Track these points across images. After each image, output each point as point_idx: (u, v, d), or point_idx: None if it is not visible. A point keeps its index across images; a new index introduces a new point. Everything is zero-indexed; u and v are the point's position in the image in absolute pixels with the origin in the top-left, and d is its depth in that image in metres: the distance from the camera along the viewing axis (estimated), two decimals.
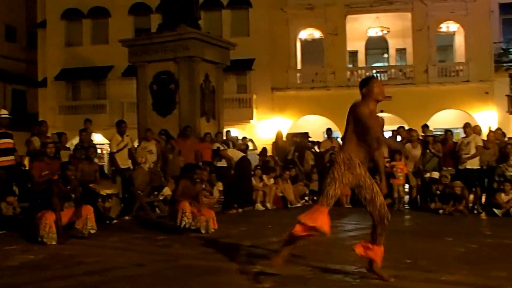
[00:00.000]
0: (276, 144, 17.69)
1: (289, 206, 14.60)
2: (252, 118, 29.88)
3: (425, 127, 15.84)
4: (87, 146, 12.98)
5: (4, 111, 11.44)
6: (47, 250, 7.97)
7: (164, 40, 15.62)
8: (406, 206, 14.49)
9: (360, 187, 5.82)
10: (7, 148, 10.92)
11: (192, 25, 15.85)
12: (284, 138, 18.07)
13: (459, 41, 30.17)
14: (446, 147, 14.27)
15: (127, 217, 11.79)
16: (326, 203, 5.75)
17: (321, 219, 5.70)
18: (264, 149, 17.86)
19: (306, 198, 15.48)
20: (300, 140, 17.27)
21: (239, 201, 13.68)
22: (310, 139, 17.74)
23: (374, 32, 30.58)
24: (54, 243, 8.38)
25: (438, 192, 13.40)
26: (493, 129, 16.34)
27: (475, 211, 13.33)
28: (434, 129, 21.82)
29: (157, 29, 16.72)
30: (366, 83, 5.86)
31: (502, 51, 29.18)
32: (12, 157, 11.08)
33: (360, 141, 5.74)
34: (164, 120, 15.53)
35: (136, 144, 14.53)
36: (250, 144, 17.53)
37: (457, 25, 29.72)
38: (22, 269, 6.80)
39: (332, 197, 5.76)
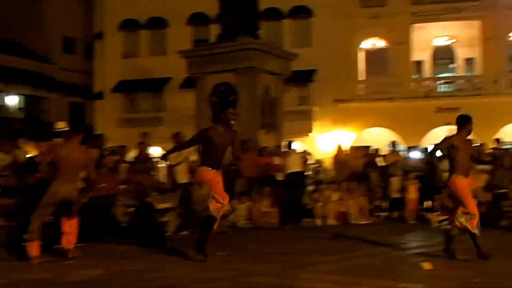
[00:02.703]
0: (336, 158, 17.15)
1: (351, 222, 14.03)
2: (311, 131, 29.28)
3: (497, 141, 15.05)
4: (144, 159, 12.82)
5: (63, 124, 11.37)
6: (110, 266, 7.71)
7: (225, 51, 15.36)
8: None
9: None
10: None
11: (252, 35, 15.57)
12: (348, 151, 17.55)
13: None
14: None
15: (185, 232, 11.51)
16: None
17: None
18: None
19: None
20: (372, 155, 16.65)
21: (295, 216, 13.31)
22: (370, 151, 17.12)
23: (441, 41, 29.79)
24: None
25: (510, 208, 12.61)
26: None
27: None
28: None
29: (217, 39, 16.49)
30: None
31: None
32: None
33: None
34: None
35: (195, 157, 14.25)
36: (309, 157, 17.09)
37: None
38: (83, 284, 6.67)
39: None
